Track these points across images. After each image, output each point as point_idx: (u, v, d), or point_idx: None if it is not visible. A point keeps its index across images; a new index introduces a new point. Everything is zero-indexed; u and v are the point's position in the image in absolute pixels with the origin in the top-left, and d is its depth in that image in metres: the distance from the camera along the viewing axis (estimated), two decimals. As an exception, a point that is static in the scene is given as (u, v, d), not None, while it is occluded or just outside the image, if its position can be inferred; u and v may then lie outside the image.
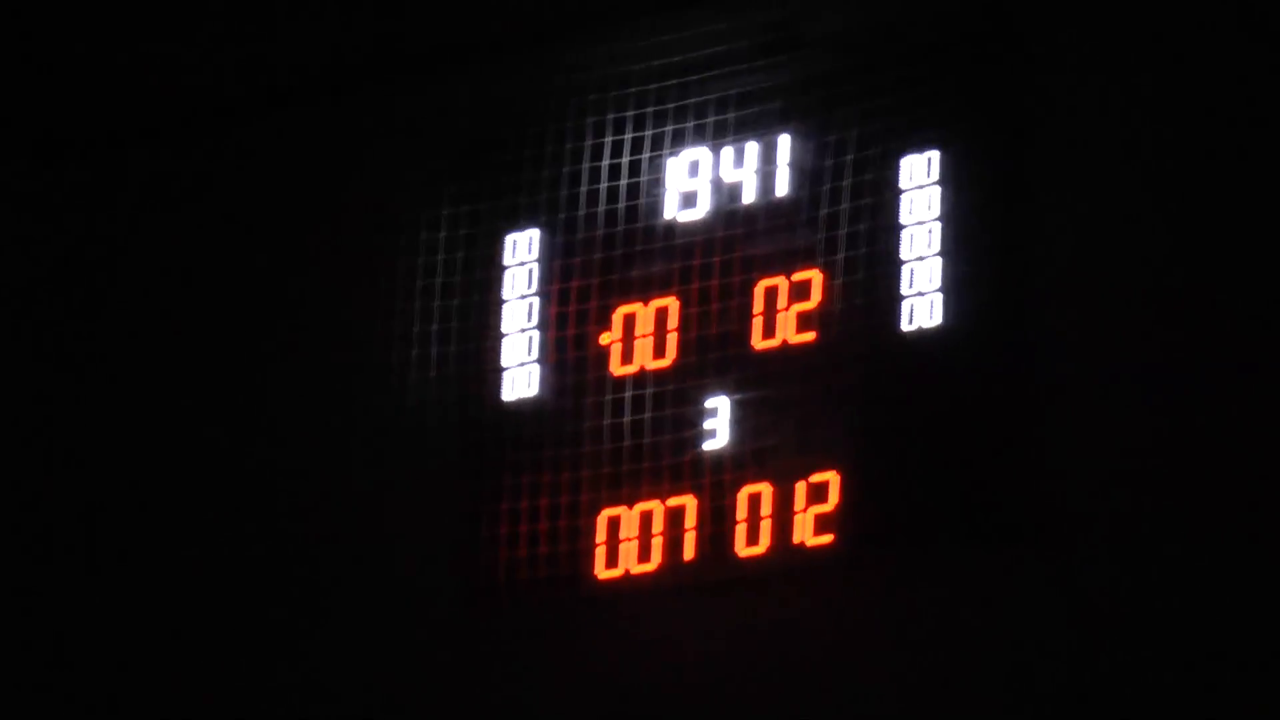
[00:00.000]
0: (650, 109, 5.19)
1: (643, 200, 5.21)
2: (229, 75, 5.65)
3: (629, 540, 5.04)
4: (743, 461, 4.97)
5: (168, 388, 5.87)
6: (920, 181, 4.88)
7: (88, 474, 5.92)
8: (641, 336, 5.12)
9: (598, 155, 5.24)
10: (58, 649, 5.78)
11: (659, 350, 5.11)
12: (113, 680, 5.65)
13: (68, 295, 5.99)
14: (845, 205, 4.93)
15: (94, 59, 5.73)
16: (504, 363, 5.29)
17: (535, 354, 5.26)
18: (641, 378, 5.11)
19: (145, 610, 5.73)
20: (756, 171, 5.10)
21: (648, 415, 5.09)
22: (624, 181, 5.22)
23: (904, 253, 4.86)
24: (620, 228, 5.21)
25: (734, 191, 5.11)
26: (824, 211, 4.95)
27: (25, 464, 5.97)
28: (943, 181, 4.84)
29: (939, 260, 4.81)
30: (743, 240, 5.07)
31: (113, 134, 6.13)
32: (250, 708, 5.52)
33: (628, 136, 5.21)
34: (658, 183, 5.21)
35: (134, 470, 5.86)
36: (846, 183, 4.93)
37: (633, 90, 5.21)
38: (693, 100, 5.15)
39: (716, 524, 4.99)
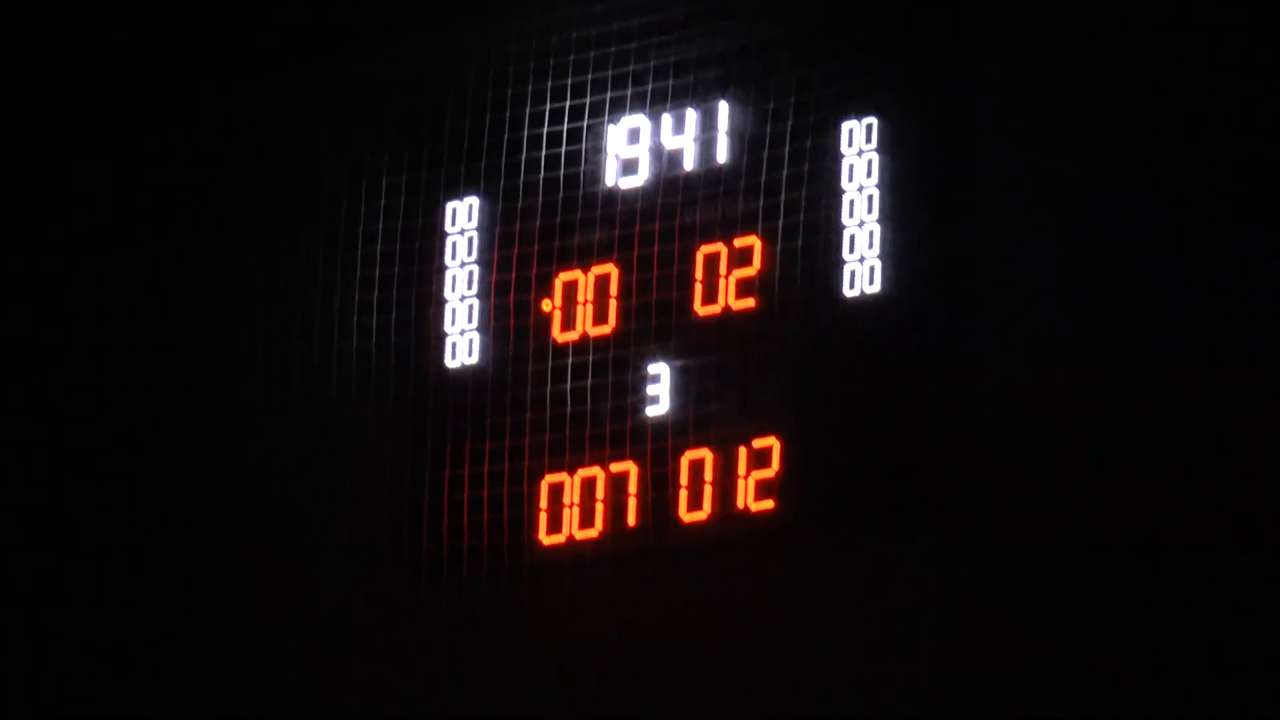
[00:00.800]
0: (589, 76, 5.18)
1: (583, 167, 5.20)
2: (172, 52, 5.60)
3: (571, 506, 5.06)
4: (685, 428, 5.00)
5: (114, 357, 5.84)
6: (860, 148, 4.89)
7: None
8: (582, 303, 5.13)
9: (537, 123, 5.23)
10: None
11: (600, 317, 5.12)
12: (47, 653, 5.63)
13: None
14: (785, 171, 4.94)
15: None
16: (445, 330, 5.29)
17: (476, 321, 5.26)
18: (583, 344, 5.12)
19: (94, 583, 5.72)
20: (696, 139, 5.10)
21: (589, 382, 5.11)
22: (564, 149, 5.20)
23: (844, 218, 4.87)
24: (560, 195, 5.21)
25: (674, 158, 5.11)
26: (764, 178, 4.96)
27: None
28: (881, 148, 4.85)
29: (879, 226, 4.83)
30: (683, 207, 5.07)
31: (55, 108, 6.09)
32: (199, 681, 5.53)
33: (567, 104, 5.19)
34: (598, 150, 5.19)
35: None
36: (786, 149, 4.94)
37: (572, 57, 5.19)
38: (632, 68, 5.14)
39: (659, 490, 5.02)
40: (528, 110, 5.23)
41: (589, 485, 5.04)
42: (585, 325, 5.12)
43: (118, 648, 5.60)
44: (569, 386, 5.10)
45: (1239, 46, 4.43)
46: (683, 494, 4.97)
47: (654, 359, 5.04)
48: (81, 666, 5.59)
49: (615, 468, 5.03)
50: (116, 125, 5.74)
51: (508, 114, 5.27)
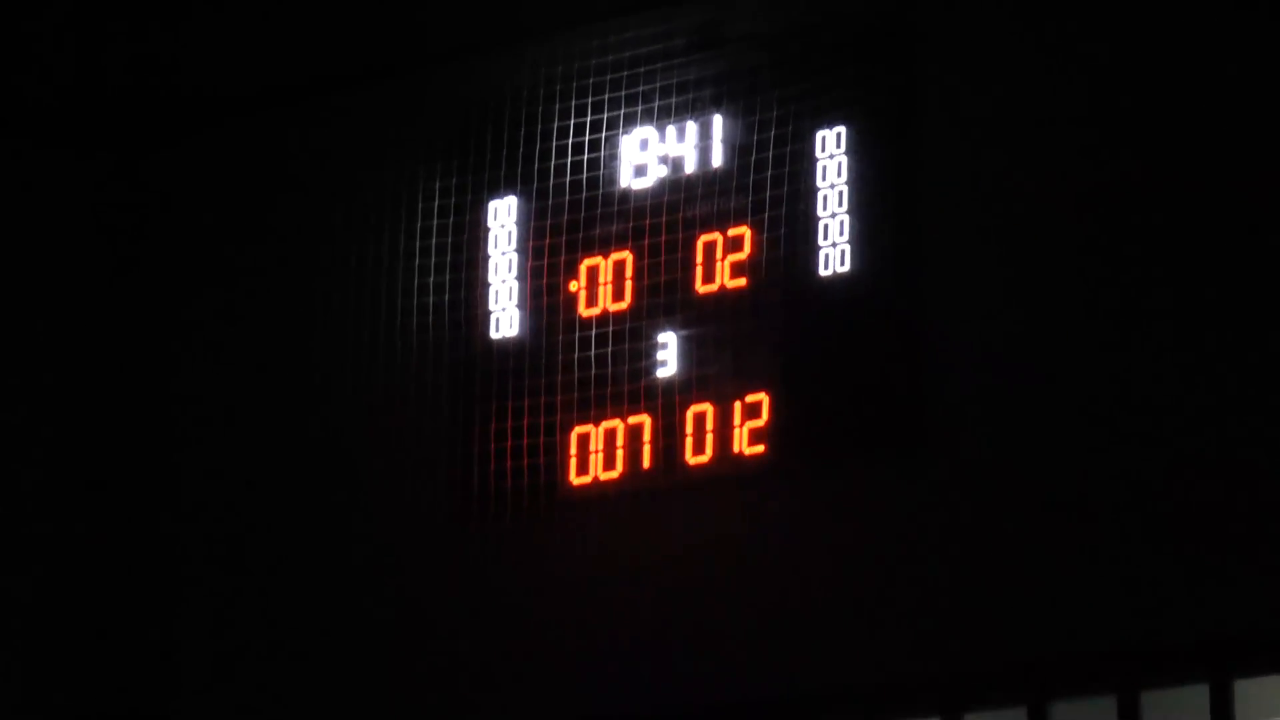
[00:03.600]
0: (606, 96, 6.01)
1: (601, 172, 6.03)
2: (248, 72, 6.45)
3: (596, 452, 5.89)
4: (689, 386, 5.84)
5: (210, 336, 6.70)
6: (831, 152, 5.71)
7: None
8: (603, 284, 5.98)
9: (564, 135, 6.07)
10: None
11: (618, 295, 5.97)
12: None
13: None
14: (769, 173, 5.77)
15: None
16: (489, 308, 6.13)
17: (515, 300, 6.11)
18: (604, 318, 5.97)
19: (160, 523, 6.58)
20: (695, 146, 5.95)
21: (609, 349, 5.94)
22: (585, 156, 6.04)
23: (819, 211, 5.70)
24: (583, 194, 6.05)
25: (677, 163, 5.97)
26: (752, 178, 5.79)
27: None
28: (849, 152, 5.69)
29: (848, 217, 5.65)
30: (685, 203, 5.90)
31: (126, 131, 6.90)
32: (267, 614, 6.37)
33: (588, 119, 6.03)
34: (613, 157, 6.02)
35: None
36: (770, 154, 5.76)
37: (591, 81, 6.02)
38: (641, 88, 5.97)
39: (668, 438, 5.86)
40: (555, 125, 6.08)
41: (610, 435, 5.90)
42: (605, 302, 5.97)
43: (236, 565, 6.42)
44: (593, 353, 5.95)
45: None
46: (688, 441, 5.82)
47: (663, 329, 5.89)
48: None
49: (632, 420, 5.87)
50: (212, 140, 6.61)
51: (539, 128, 6.12)
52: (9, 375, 6.65)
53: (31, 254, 6.76)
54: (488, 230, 6.18)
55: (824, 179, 5.72)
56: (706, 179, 5.91)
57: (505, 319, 6.11)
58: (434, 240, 6.19)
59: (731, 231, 5.82)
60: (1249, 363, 5.00)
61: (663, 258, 5.91)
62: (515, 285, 6.11)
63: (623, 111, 6.01)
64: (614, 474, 5.89)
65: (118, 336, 6.74)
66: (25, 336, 6.67)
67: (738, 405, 5.75)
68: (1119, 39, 5.37)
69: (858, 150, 5.68)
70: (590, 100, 6.03)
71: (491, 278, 6.15)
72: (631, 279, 5.96)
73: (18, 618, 6.42)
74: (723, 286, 5.82)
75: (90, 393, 6.74)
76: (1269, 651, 4.96)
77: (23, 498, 6.51)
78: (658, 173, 5.99)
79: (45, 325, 6.72)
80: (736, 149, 5.86)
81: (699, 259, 5.87)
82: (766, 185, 5.76)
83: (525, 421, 5.98)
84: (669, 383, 5.86)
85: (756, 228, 5.78)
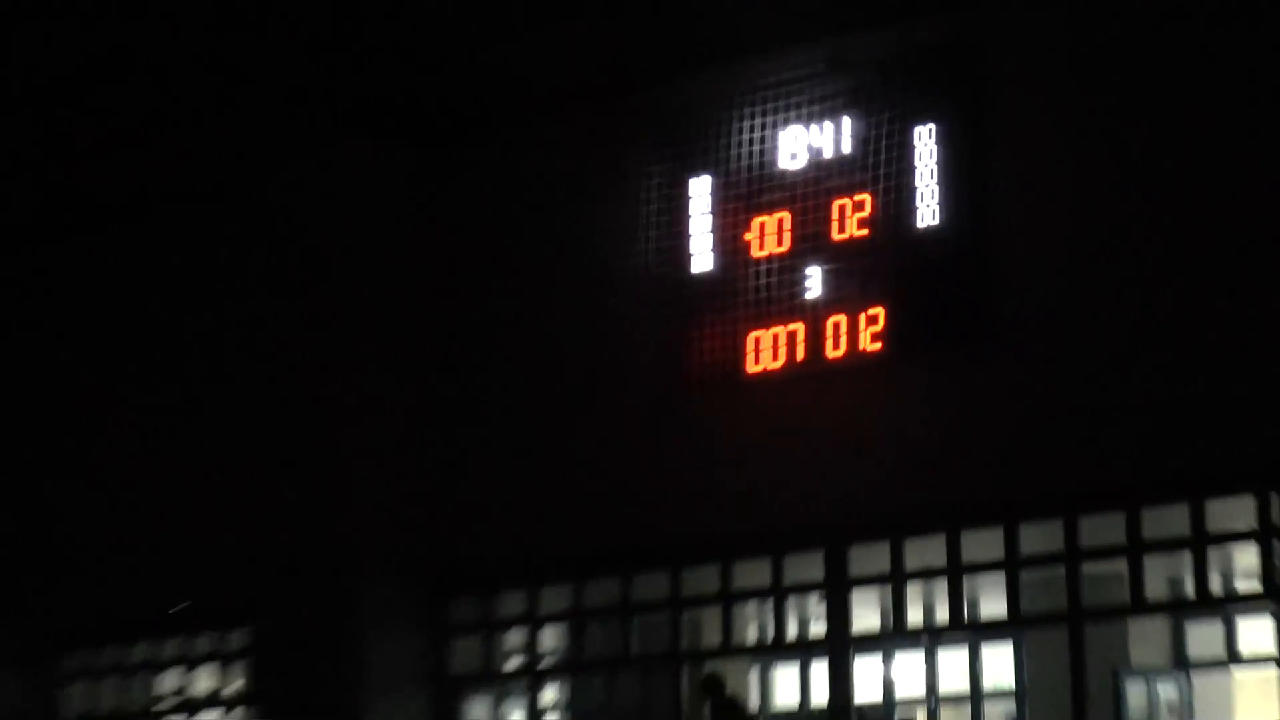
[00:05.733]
0: (769, 104, 8.67)
1: (765, 156, 8.66)
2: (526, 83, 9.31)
3: (765, 349, 8.60)
4: (829, 303, 8.54)
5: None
6: (926, 142, 8.21)
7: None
8: (769, 234, 8.75)
9: (741, 132, 8.75)
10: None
11: (779, 242, 8.74)
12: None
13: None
14: (882, 156, 8.31)
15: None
16: (691, 251, 9.04)
17: (709, 245, 8.99)
18: (770, 258, 8.74)
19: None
20: (831, 138, 8.61)
21: (775, 279, 8.63)
22: (757, 146, 8.67)
23: (916, 183, 8.26)
24: (756, 173, 8.72)
25: (818, 150, 8.68)
26: (870, 159, 8.36)
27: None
28: (937, 142, 8.17)
29: (937, 187, 8.15)
30: (824, 178, 8.54)
31: (446, 124, 9.90)
32: (526, 476, 9.62)
33: (758, 120, 8.67)
34: (775, 146, 8.65)
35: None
36: (882, 143, 8.26)
37: (759, 94, 8.67)
38: (793, 99, 8.64)
39: (814, 339, 8.60)
40: (735, 125, 8.81)
41: (775, 337, 8.67)
42: (771, 247, 8.70)
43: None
44: (762, 281, 8.68)
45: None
46: (828, 341, 8.56)
47: (810, 265, 8.60)
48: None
49: (790, 327, 8.61)
50: (505, 140, 9.57)
51: (725, 127, 8.86)
52: (334, 332, 9.91)
53: (349, 234, 9.98)
54: (690, 198, 9.05)
55: (920, 160, 8.35)
56: (839, 161, 8.58)
57: (702, 259, 9.03)
58: (655, 205, 9.07)
59: (857, 197, 8.49)
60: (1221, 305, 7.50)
61: (810, 215, 8.57)
62: (709, 235, 8.89)
63: (780, 115, 8.72)
64: (777, 364, 8.66)
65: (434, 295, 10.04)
66: (350, 304, 10.00)
67: (862, 316, 8.44)
68: (1135, 54, 7.91)
69: (943, 140, 8.25)
70: (759, 108, 8.75)
71: (693, 230, 9.01)
72: (789, 230, 8.64)
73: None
74: (851, 235, 8.52)
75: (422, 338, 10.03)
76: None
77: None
78: (805, 157, 8.64)
79: (372, 294, 10.00)
80: (859, 140, 8.51)
81: (834, 216, 8.55)
82: (880, 165, 8.42)
83: (717, 328, 8.71)
84: (815, 301, 8.60)
85: (874, 194, 8.43)
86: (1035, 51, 8.54)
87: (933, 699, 10.00)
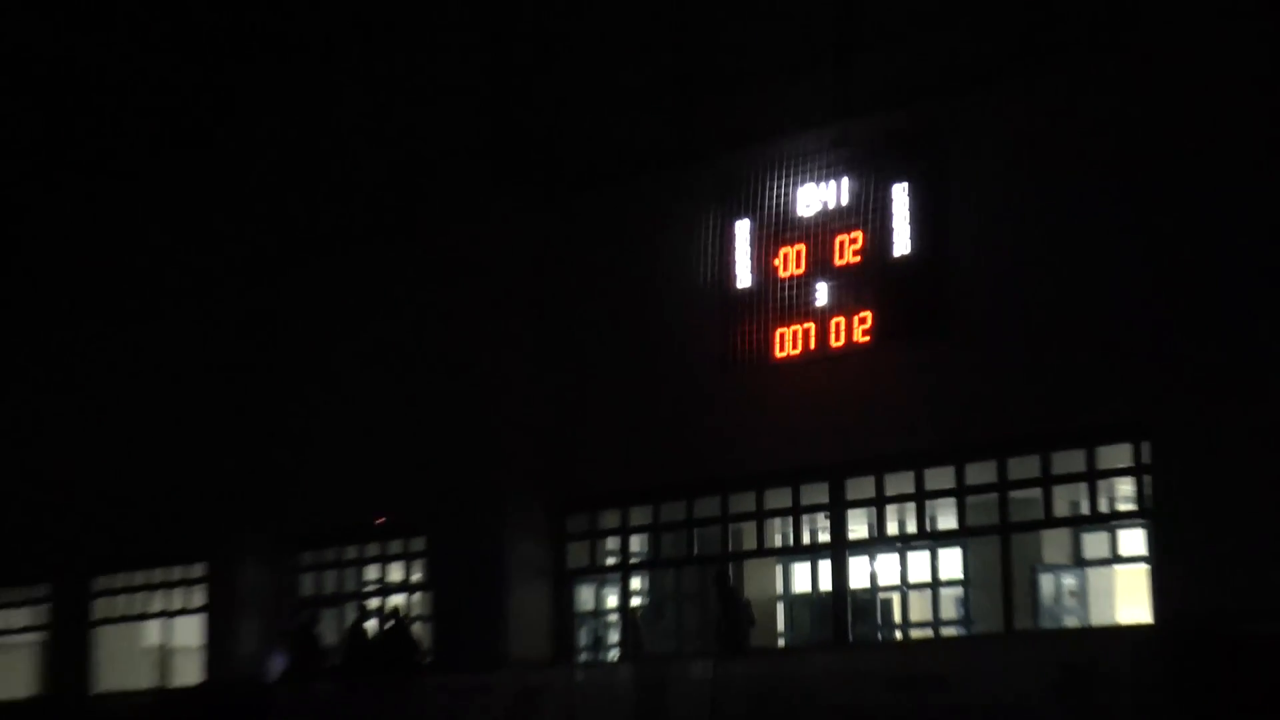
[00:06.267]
0: (792, 168, 12.18)
1: (789, 205, 12.20)
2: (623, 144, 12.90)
3: (788, 341, 12.15)
4: (833, 308, 11.99)
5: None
6: (900, 196, 11.69)
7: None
8: (790, 261, 12.21)
9: (770, 188, 12.34)
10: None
11: (798, 266, 12.30)
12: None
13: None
14: (871, 205, 11.85)
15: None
16: (735, 272, 12.50)
17: (749, 268, 12.52)
18: (791, 279, 12.32)
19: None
20: (835, 192, 12.11)
21: (794, 292, 12.06)
22: (782, 198, 12.16)
23: (894, 224, 11.74)
24: (782, 217, 12.21)
25: (826, 200, 12.24)
26: (860, 207, 11.88)
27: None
28: (909, 195, 11.66)
29: (909, 226, 11.56)
30: (830, 221, 12.08)
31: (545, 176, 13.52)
32: (621, 428, 13.23)
33: (784, 180, 12.16)
34: (795, 197, 12.10)
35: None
36: (871, 196, 11.78)
37: (784, 161, 12.23)
38: (808, 164, 12.13)
39: (821, 333, 12.07)
40: (766, 184, 12.34)
41: (795, 333, 12.22)
42: (792, 270, 12.25)
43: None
44: (785, 294, 12.20)
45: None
46: (831, 335, 12.04)
47: (820, 282, 12.11)
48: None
49: (805, 325, 12.13)
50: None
51: (758, 185, 12.42)
52: (492, 323, 13.85)
53: (503, 255, 13.88)
54: (735, 236, 12.66)
55: (897, 209, 11.83)
56: (840, 209, 12.11)
57: (744, 278, 12.58)
58: (711, 240, 12.76)
59: (852, 234, 11.97)
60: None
61: (819, 247, 12.10)
62: (749, 262, 12.55)
63: (799, 177, 12.32)
64: (796, 352, 12.25)
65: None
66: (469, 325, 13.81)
67: (856, 318, 11.91)
68: (1050, 134, 11.21)
69: (913, 195, 11.73)
70: (784, 172, 12.31)
71: (737, 258, 12.61)
72: (805, 258, 12.17)
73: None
74: (849, 262, 12.01)
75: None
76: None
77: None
78: (817, 205, 12.18)
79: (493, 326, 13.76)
80: (854, 194, 12.04)
81: (836, 248, 12.04)
82: (869, 212, 11.89)
83: (753, 327, 12.28)
84: (823, 308, 12.10)
85: (865, 232, 11.91)
86: (977, 133, 12.02)
87: (904, 586, 13.45)
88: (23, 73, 17.33)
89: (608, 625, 15.25)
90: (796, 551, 14.22)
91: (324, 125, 16.09)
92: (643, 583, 14.82)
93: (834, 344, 12.36)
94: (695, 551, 13.65)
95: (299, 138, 16.21)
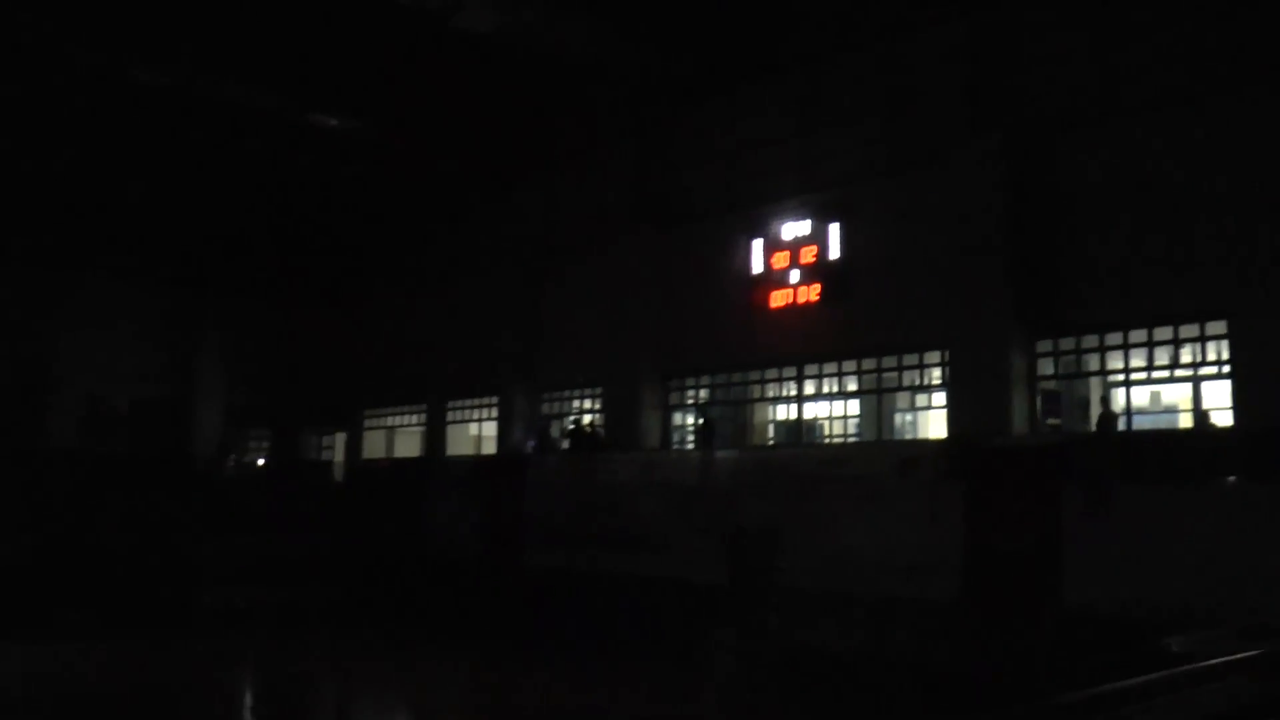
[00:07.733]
0: (779, 216, 24.73)
1: (780, 234, 24.70)
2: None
3: (779, 300, 24.72)
4: (802, 283, 24.59)
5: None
6: (834, 232, 24.10)
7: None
8: (781, 261, 24.83)
9: (770, 225, 24.86)
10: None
11: (786, 264, 24.90)
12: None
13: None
14: (822, 235, 24.14)
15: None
16: (753, 264, 25.28)
17: (761, 262, 25.21)
18: (784, 269, 24.75)
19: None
20: (803, 229, 24.46)
21: (784, 275, 24.70)
22: (776, 230, 24.74)
23: (831, 244, 24.14)
24: (776, 238, 24.73)
25: (795, 231, 24.54)
26: (816, 237, 24.21)
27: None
28: (840, 230, 23.99)
29: (839, 246, 24.06)
30: (799, 243, 24.50)
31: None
32: (697, 336, 26.31)
33: (776, 221, 24.68)
34: (781, 230, 24.71)
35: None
36: (823, 231, 24.11)
37: (774, 215, 24.73)
38: (789, 214, 24.59)
39: (796, 295, 24.64)
40: (768, 222, 24.80)
41: (784, 295, 24.68)
42: (781, 264, 24.73)
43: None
44: (779, 276, 24.67)
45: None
46: (801, 296, 24.51)
47: (794, 270, 24.56)
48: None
49: (786, 292, 24.56)
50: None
51: (764, 225, 24.84)
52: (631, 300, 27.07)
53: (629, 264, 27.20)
54: (752, 249, 25.43)
55: (833, 236, 24.17)
56: (805, 235, 24.49)
57: (757, 266, 25.30)
58: (741, 251, 25.41)
59: (811, 247, 24.35)
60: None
61: (795, 254, 24.59)
62: (761, 258, 25.27)
63: (784, 219, 24.77)
64: (783, 305, 24.74)
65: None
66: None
67: (811, 289, 24.36)
68: (922, 207, 23.39)
69: (840, 230, 24.02)
70: (775, 217, 24.79)
71: (754, 257, 25.36)
72: (788, 260, 24.63)
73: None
74: (809, 261, 24.44)
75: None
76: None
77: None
78: (794, 233, 24.63)
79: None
80: (813, 230, 24.32)
81: (803, 254, 24.47)
82: (820, 236, 24.24)
83: (761, 290, 24.95)
84: (795, 284, 24.50)
85: (817, 246, 24.28)
86: (870, 201, 23.40)
87: (830, 418, 25.27)
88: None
89: (686, 431, 27.28)
90: (778, 400, 25.84)
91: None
92: (703, 416, 26.89)
93: (800, 302, 24.28)
94: (730, 397, 26.28)
95: None
